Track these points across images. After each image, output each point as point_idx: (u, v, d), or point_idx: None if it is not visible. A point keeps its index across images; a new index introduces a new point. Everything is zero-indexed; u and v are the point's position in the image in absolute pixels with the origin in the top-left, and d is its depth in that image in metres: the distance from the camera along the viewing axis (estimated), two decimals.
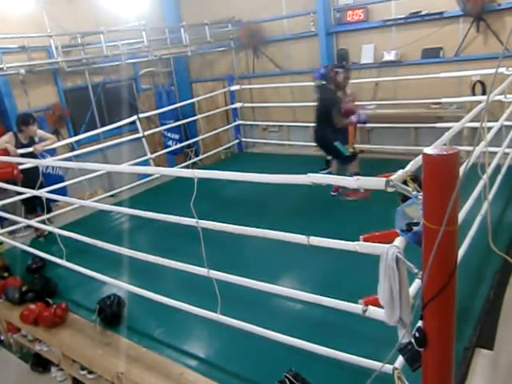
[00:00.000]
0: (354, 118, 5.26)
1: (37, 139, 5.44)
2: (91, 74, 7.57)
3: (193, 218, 2.79)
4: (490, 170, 3.59)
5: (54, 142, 5.66)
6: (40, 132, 5.55)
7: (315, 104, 5.56)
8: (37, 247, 4.74)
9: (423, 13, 6.52)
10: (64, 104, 7.51)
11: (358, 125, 5.61)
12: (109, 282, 3.72)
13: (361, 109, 5.50)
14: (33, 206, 5.46)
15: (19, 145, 5.25)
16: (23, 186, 4.77)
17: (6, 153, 5.01)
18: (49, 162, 5.76)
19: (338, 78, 5.26)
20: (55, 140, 5.81)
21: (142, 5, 8.21)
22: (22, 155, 5.15)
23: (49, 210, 5.02)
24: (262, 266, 3.91)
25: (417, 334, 1.79)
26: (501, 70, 5.28)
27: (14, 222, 5.24)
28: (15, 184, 4.84)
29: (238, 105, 8.35)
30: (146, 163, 6.73)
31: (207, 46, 8.56)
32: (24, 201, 5.34)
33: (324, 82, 5.37)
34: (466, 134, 6.01)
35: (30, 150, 5.26)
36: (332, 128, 5.21)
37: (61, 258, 4.11)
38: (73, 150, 6.71)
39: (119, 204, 5.62)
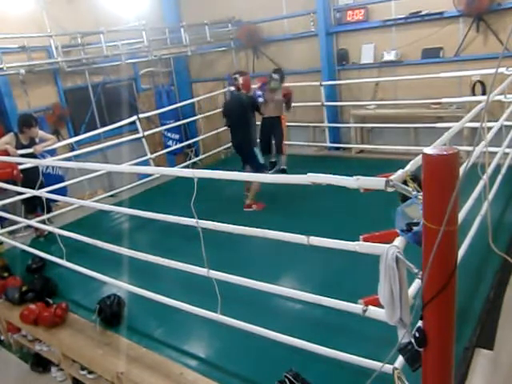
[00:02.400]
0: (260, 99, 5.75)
1: (37, 140, 5.44)
2: (91, 74, 7.57)
3: (193, 217, 2.80)
4: (489, 170, 3.59)
5: (54, 143, 5.66)
6: (40, 133, 5.54)
7: (227, 110, 5.73)
8: (37, 247, 4.74)
9: (423, 13, 6.53)
10: (64, 104, 7.51)
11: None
12: (109, 281, 3.72)
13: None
14: (33, 206, 5.45)
15: (20, 145, 5.25)
16: (23, 186, 4.76)
17: (6, 154, 5.01)
18: (49, 162, 5.74)
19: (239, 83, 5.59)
20: (55, 141, 5.80)
21: (142, 5, 8.22)
22: (22, 156, 5.14)
23: (49, 210, 5.02)
24: (261, 265, 3.92)
25: (417, 334, 1.79)
26: (501, 70, 5.27)
27: (14, 222, 5.24)
28: (15, 184, 4.84)
29: None
30: (146, 163, 6.72)
31: (207, 45, 8.57)
32: (24, 201, 5.34)
33: (232, 89, 5.68)
34: (466, 134, 6.02)
35: (31, 150, 5.27)
36: (250, 134, 5.55)
37: (61, 257, 4.11)
38: (73, 150, 6.72)
39: (119, 204, 5.62)
